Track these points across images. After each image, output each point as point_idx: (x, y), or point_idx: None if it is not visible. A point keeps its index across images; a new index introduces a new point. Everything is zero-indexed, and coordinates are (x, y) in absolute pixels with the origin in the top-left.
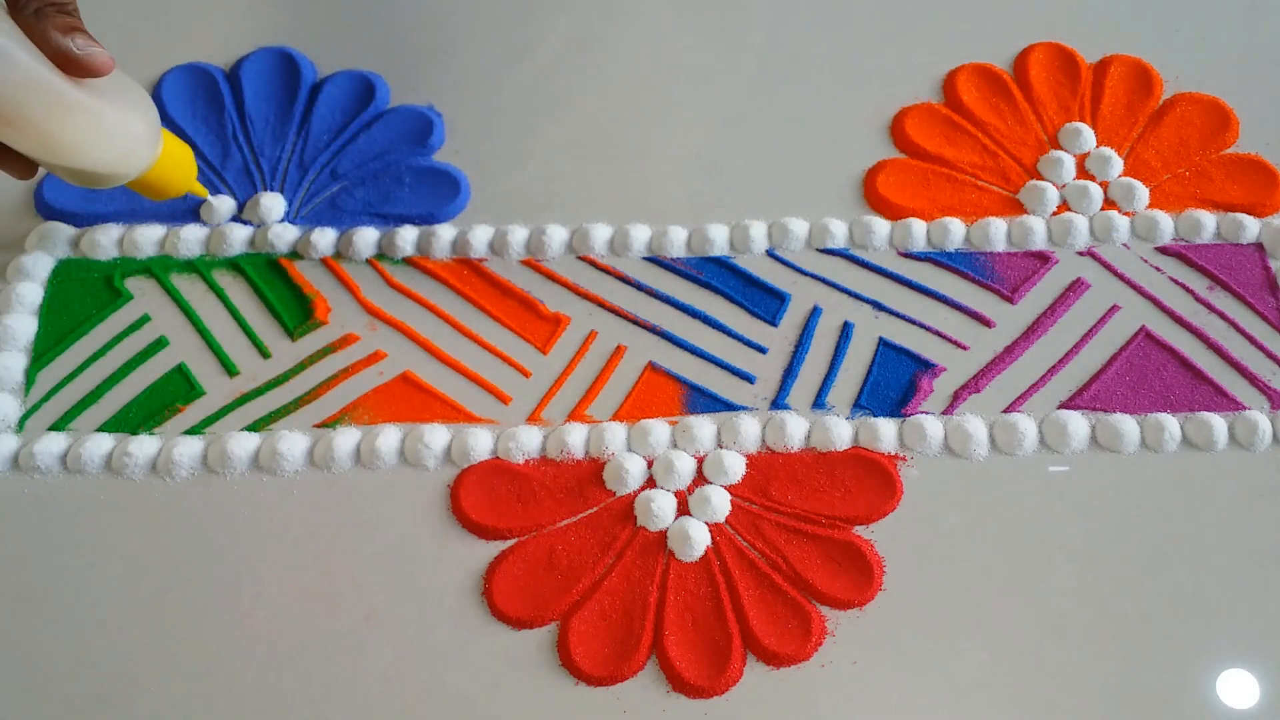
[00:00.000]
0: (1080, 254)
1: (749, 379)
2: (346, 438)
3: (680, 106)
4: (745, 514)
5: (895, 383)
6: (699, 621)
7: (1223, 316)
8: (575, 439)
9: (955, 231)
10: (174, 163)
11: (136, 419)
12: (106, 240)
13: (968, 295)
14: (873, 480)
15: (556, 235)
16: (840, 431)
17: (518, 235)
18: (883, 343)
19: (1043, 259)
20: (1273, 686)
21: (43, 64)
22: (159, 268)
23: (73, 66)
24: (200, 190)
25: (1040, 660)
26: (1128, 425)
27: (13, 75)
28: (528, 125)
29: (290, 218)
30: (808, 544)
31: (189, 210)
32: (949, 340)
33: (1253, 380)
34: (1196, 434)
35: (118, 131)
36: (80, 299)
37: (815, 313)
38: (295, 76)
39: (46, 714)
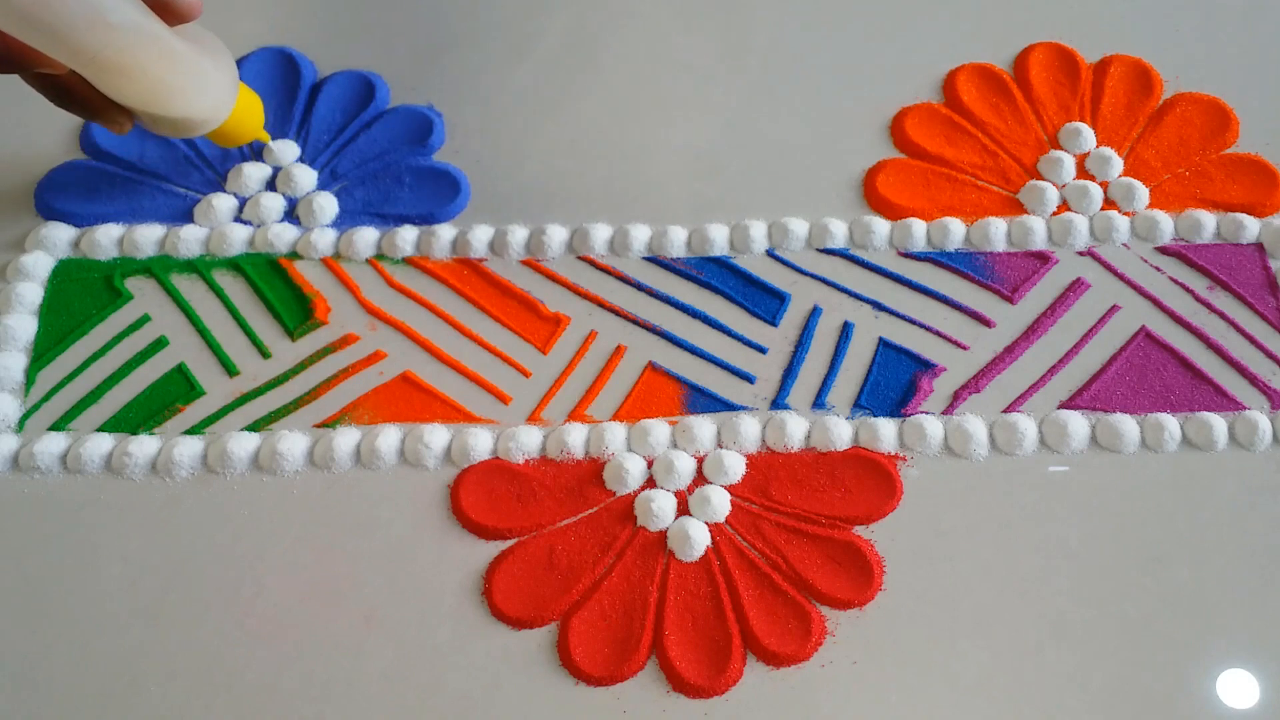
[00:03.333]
0: (1080, 254)
1: (749, 379)
2: (346, 438)
3: (680, 106)
4: (745, 514)
5: (895, 383)
6: (699, 621)
7: (1223, 316)
8: (575, 439)
9: (955, 231)
10: (248, 108)
11: (136, 419)
12: (106, 240)
13: (968, 295)
14: (873, 480)
15: (556, 235)
16: (840, 431)
17: (518, 235)
18: (883, 343)
19: (1043, 259)
20: (1273, 686)
21: (145, 13)
22: (159, 268)
23: (169, 12)
24: (265, 136)
25: (1040, 660)
26: (1128, 425)
27: (125, 23)
28: (528, 125)
29: (290, 217)
30: (808, 544)
31: (187, 211)
32: (949, 340)
33: (1253, 380)
34: (1196, 434)
35: (212, 77)
36: (80, 299)
37: (815, 313)
38: (295, 76)
39: (47, 714)
